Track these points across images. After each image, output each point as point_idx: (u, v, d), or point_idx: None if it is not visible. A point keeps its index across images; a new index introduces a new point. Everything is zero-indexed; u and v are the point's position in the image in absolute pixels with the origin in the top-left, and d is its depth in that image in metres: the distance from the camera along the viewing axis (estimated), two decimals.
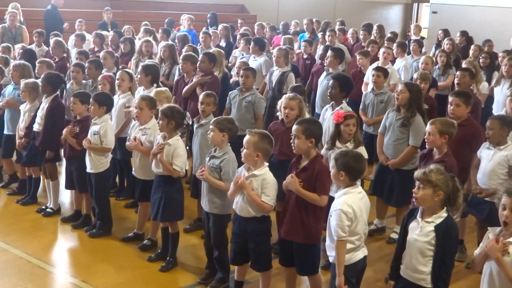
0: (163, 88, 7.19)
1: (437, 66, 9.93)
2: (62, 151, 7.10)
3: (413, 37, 13.66)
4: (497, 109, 8.36)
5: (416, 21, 22.67)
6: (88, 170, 6.46)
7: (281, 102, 6.08)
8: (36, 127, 7.06)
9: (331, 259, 4.44)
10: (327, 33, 12.32)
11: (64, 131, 6.59)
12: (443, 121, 5.60)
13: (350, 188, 4.37)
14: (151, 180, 6.05)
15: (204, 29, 13.57)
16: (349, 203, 4.29)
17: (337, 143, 5.77)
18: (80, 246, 6.48)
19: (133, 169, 6.34)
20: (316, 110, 8.50)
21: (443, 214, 4.06)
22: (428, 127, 5.54)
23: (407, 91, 6.42)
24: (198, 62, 8.16)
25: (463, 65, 9.29)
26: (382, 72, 7.86)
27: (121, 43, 10.30)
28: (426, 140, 5.58)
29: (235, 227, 5.09)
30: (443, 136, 5.44)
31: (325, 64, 9.01)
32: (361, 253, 4.47)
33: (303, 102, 6.14)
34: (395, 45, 10.58)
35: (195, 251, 6.25)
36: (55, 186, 7.13)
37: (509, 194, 3.87)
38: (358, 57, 9.66)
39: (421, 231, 4.07)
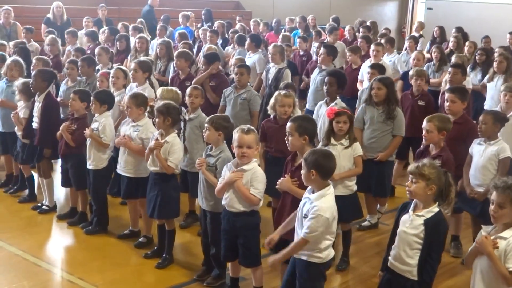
0: (172, 88, 7.09)
1: (432, 62, 9.95)
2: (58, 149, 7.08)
3: (414, 34, 13.71)
4: (491, 104, 8.41)
5: (412, 18, 22.69)
6: (88, 166, 6.46)
7: (274, 100, 6.08)
8: (35, 125, 7.06)
9: (303, 257, 4.36)
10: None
11: (61, 127, 6.58)
12: (440, 117, 5.66)
13: (325, 189, 4.30)
14: (137, 178, 6.09)
15: (199, 25, 13.58)
16: (328, 207, 4.24)
17: (332, 140, 5.77)
18: (76, 243, 6.48)
19: (118, 166, 6.31)
20: (307, 107, 8.49)
21: (434, 209, 4.10)
22: (425, 124, 5.59)
23: (384, 86, 6.53)
24: (201, 65, 8.17)
25: (453, 60, 9.34)
26: (377, 69, 7.88)
27: (117, 41, 10.27)
28: (424, 137, 5.63)
29: (224, 223, 5.08)
30: (441, 133, 5.52)
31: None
32: (332, 252, 4.47)
33: (296, 99, 6.19)
34: (383, 41, 10.60)
35: (191, 248, 6.26)
36: (49, 183, 7.12)
37: (496, 189, 3.92)
38: (348, 53, 9.66)
39: (411, 224, 4.12)
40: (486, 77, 9.08)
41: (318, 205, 4.22)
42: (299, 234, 4.36)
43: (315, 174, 4.27)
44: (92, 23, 12.68)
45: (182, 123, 6.29)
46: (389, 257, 4.26)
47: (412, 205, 4.19)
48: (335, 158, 4.50)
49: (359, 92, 8.24)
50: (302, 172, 4.37)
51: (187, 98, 6.49)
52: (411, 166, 4.18)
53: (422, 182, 4.07)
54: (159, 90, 6.82)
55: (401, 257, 4.15)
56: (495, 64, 8.77)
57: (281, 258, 4.48)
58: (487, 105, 8.53)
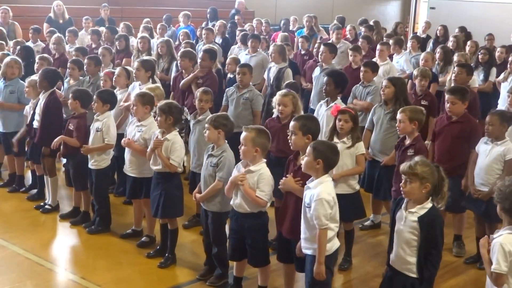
0: (154, 85, 7.16)
1: (436, 62, 9.93)
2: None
3: (422, 34, 13.67)
4: (502, 104, 8.40)
5: (414, 17, 22.67)
6: (90, 166, 6.47)
7: (275, 99, 6.09)
8: (35, 124, 7.08)
9: (309, 252, 4.44)
10: (335, 31, 12.05)
11: (56, 140, 6.59)
12: (412, 108, 5.83)
13: (324, 177, 4.41)
14: (142, 178, 6.10)
15: (204, 25, 13.55)
16: (328, 191, 4.35)
17: (335, 138, 5.77)
18: (79, 243, 6.49)
19: (125, 165, 6.33)
20: (312, 106, 8.45)
21: (427, 205, 4.11)
22: (398, 115, 5.74)
23: (392, 85, 6.56)
24: (199, 60, 8.17)
25: (455, 58, 9.34)
26: (370, 67, 7.86)
27: (116, 40, 10.27)
28: (397, 127, 5.77)
29: (233, 223, 5.10)
30: (413, 123, 5.63)
31: (318, 60, 9.01)
32: (337, 242, 4.51)
33: (297, 98, 6.14)
34: (392, 41, 10.59)
35: (194, 247, 6.26)
36: (53, 182, 7.12)
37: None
38: (350, 53, 9.64)
39: (405, 222, 4.14)
40: (501, 76, 9.14)
41: (318, 190, 4.32)
42: (305, 228, 4.41)
43: (321, 163, 4.36)
44: (93, 23, 12.66)
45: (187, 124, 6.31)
46: (391, 255, 4.28)
47: (404, 202, 4.20)
48: (339, 153, 4.63)
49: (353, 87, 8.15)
50: (306, 159, 4.43)
51: (196, 102, 6.47)
52: (403, 166, 4.18)
53: (416, 181, 4.08)
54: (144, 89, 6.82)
55: (400, 255, 4.18)
56: (509, 64, 8.87)
57: (319, 262, 4.35)
58: (499, 105, 8.56)
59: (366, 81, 7.80)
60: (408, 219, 4.12)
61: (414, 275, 4.13)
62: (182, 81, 8.06)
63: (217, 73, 8.82)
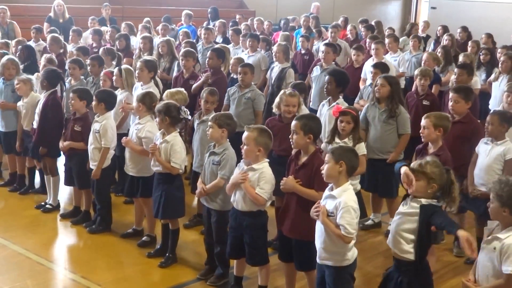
0: (176, 89, 7.11)
1: None
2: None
3: (421, 34, 13.68)
4: (494, 104, 8.40)
5: (415, 17, 22.68)
6: (91, 166, 6.47)
7: (279, 99, 6.07)
8: (35, 124, 7.09)
9: (329, 263, 4.34)
10: (330, 30, 12.13)
11: (63, 144, 6.63)
12: (437, 114, 5.66)
13: (346, 184, 4.31)
14: (139, 177, 6.12)
15: (205, 24, 13.56)
16: (354, 199, 4.27)
17: (336, 139, 5.77)
18: (79, 242, 6.50)
19: (125, 164, 6.33)
20: (311, 105, 8.45)
21: (434, 201, 4.09)
22: (423, 121, 5.59)
23: (387, 84, 6.51)
24: (207, 59, 8.16)
25: (460, 58, 9.34)
26: (380, 68, 7.84)
27: (116, 40, 10.30)
28: (421, 134, 5.62)
29: (232, 220, 5.10)
30: (438, 129, 5.49)
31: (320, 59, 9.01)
32: (356, 250, 4.47)
33: (301, 98, 6.15)
34: (391, 39, 10.62)
35: (195, 247, 6.26)
36: (55, 182, 7.14)
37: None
38: (353, 52, 9.60)
39: (407, 208, 4.12)
40: (492, 76, 9.11)
41: (344, 198, 4.23)
42: (326, 237, 4.32)
43: (344, 166, 4.25)
44: (98, 23, 12.67)
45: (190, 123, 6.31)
46: (389, 242, 4.26)
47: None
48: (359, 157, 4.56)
49: (362, 88, 8.19)
50: (327, 166, 4.31)
51: (202, 102, 6.45)
52: (414, 164, 4.19)
53: (423, 180, 4.08)
54: (165, 94, 6.81)
55: (399, 240, 4.14)
56: (500, 64, 8.77)
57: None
58: (491, 104, 8.54)
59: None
60: (410, 204, 4.11)
61: (412, 259, 4.09)
62: (193, 87, 8.03)
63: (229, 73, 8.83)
